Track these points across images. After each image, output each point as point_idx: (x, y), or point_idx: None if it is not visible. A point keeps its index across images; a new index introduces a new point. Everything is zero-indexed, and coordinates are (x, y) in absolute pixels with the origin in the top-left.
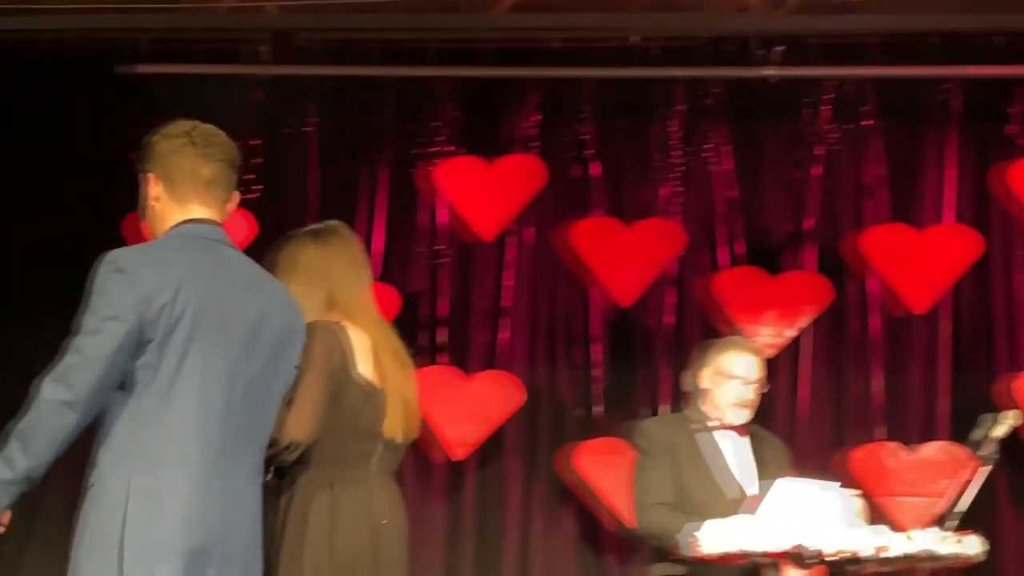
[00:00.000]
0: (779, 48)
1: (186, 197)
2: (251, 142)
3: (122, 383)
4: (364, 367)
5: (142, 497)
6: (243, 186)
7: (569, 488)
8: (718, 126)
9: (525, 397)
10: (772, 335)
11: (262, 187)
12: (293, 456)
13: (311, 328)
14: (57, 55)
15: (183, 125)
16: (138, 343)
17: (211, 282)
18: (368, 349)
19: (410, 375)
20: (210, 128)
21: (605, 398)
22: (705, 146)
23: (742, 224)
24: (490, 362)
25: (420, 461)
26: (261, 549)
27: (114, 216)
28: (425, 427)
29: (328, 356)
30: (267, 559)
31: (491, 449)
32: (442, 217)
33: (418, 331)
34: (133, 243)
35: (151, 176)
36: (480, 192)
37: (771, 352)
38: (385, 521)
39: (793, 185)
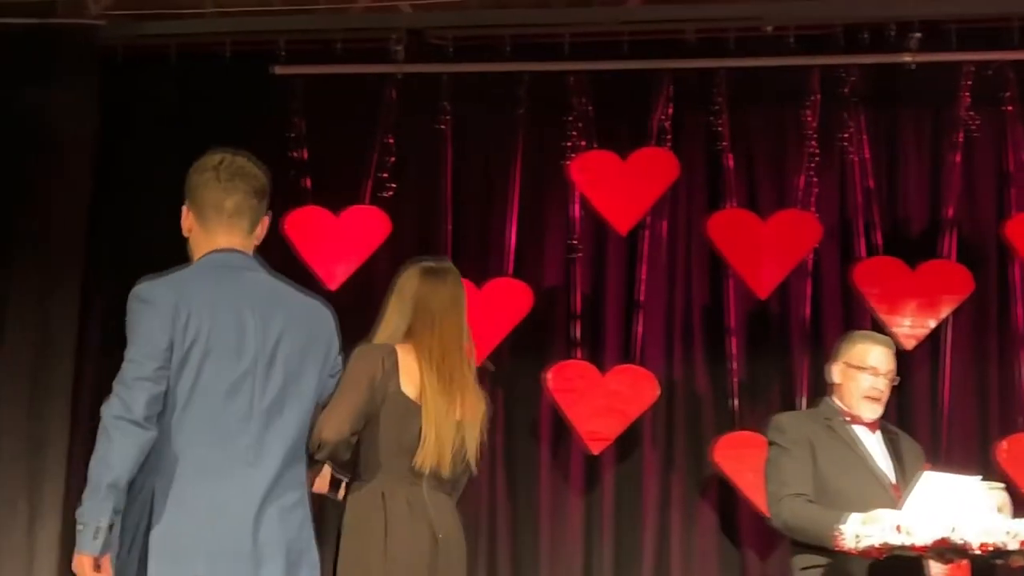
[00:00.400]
0: (916, 34)
1: (212, 228)
2: (386, 140)
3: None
4: (410, 388)
5: (164, 504)
6: (378, 184)
7: (707, 480)
8: (854, 114)
9: (660, 391)
10: (912, 326)
11: (396, 185)
12: (324, 455)
13: (359, 348)
14: (201, 56)
15: (213, 159)
16: (165, 365)
17: (225, 306)
18: (417, 373)
19: (468, 421)
20: (239, 160)
21: (742, 391)
22: (841, 135)
23: (880, 214)
24: (626, 356)
25: (557, 456)
26: (309, 548)
27: (275, 214)
28: (563, 422)
29: (369, 371)
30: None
31: (628, 443)
32: (576, 212)
33: (553, 326)
34: (298, 241)
35: (185, 208)
36: (614, 186)
37: (912, 343)
38: (440, 535)
39: (932, 173)
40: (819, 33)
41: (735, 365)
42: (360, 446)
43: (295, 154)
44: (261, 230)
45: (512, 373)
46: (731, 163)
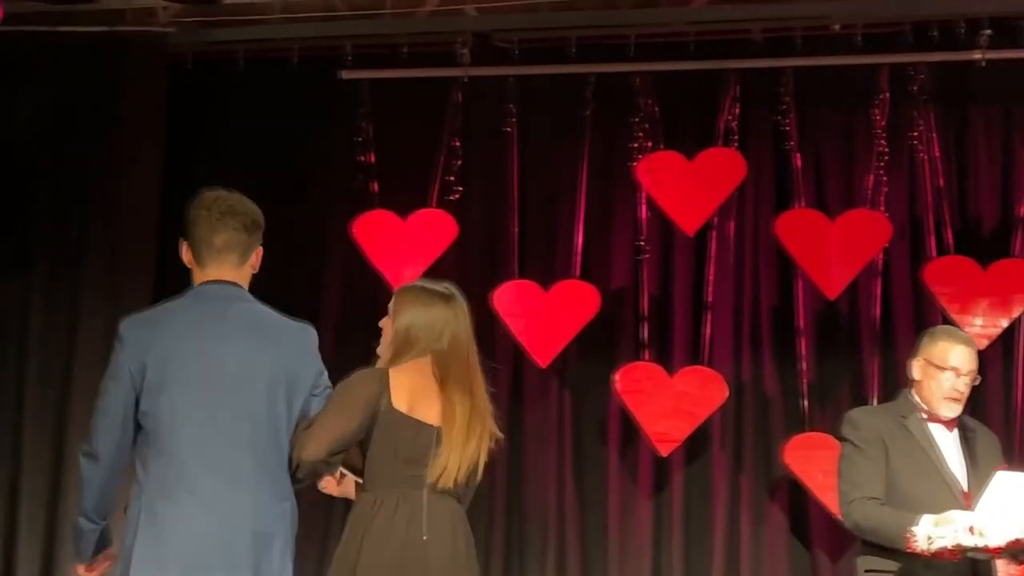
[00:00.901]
0: (987, 31)
1: (204, 261)
2: (453, 143)
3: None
4: (402, 404)
5: (148, 519)
6: (444, 187)
7: (777, 482)
8: (924, 113)
9: (729, 393)
10: (984, 326)
11: (463, 188)
12: (303, 474)
13: (354, 374)
14: (269, 62)
15: (207, 197)
16: (136, 397)
17: (201, 335)
18: (414, 390)
19: (484, 430)
20: (231, 199)
21: (812, 392)
22: (911, 134)
23: (950, 213)
24: (694, 358)
25: (625, 458)
26: (285, 552)
27: (343, 218)
28: (631, 424)
29: (363, 394)
30: None
31: (697, 445)
32: (643, 213)
33: (621, 328)
34: (367, 245)
35: (183, 242)
36: (681, 187)
37: (984, 343)
38: (425, 537)
39: (1004, 171)
40: (887, 31)
41: (804, 366)
42: (364, 459)
43: (362, 158)
44: (255, 259)
45: (580, 375)
46: (799, 163)
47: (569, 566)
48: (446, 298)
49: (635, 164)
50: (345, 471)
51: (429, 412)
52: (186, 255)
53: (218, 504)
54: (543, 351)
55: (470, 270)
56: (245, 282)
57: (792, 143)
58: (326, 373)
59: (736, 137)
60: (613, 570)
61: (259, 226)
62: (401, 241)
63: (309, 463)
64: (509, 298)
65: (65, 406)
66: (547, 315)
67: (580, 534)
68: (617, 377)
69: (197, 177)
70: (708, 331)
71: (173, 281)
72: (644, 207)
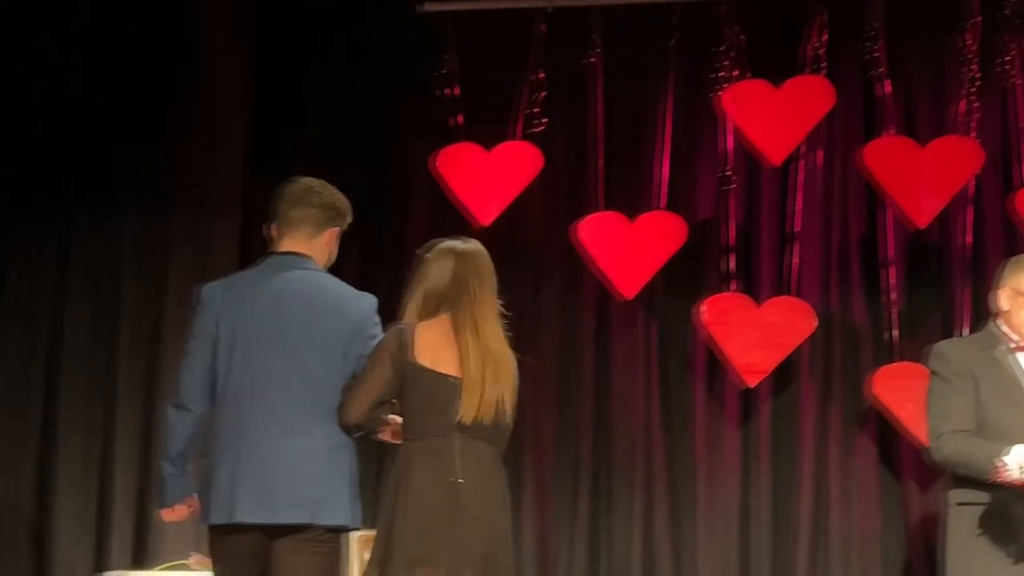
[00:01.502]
0: None
1: (280, 233)
2: (536, 75)
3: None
4: (425, 359)
5: (222, 460)
6: (529, 119)
7: (866, 413)
8: (1016, 37)
9: (817, 323)
10: None
11: (547, 120)
12: (353, 431)
13: (385, 333)
14: None
15: (294, 181)
16: (213, 354)
17: (265, 300)
18: (442, 343)
19: (499, 372)
20: (316, 183)
21: (901, 322)
22: (1002, 59)
23: None
24: (780, 288)
25: (712, 390)
26: (336, 486)
27: (427, 152)
28: (717, 355)
29: (387, 350)
30: None
31: (784, 376)
32: (729, 143)
33: (706, 259)
34: (450, 178)
35: (272, 224)
36: (768, 116)
37: None
38: (461, 480)
39: None
40: None
41: (894, 296)
42: (402, 412)
43: (446, 91)
44: (329, 239)
45: (666, 307)
46: (888, 90)
47: (657, 500)
48: (457, 253)
49: (720, 93)
50: (395, 418)
51: (450, 364)
52: (270, 231)
53: (279, 452)
54: (628, 283)
55: (554, 202)
56: (317, 256)
57: (881, 70)
58: (380, 337)
59: (824, 64)
60: (701, 503)
61: (336, 209)
62: (485, 174)
63: (354, 423)
64: (594, 230)
65: (156, 369)
66: (632, 247)
67: (667, 467)
68: (703, 308)
69: (280, 113)
70: (795, 261)
71: (260, 214)
72: (730, 137)
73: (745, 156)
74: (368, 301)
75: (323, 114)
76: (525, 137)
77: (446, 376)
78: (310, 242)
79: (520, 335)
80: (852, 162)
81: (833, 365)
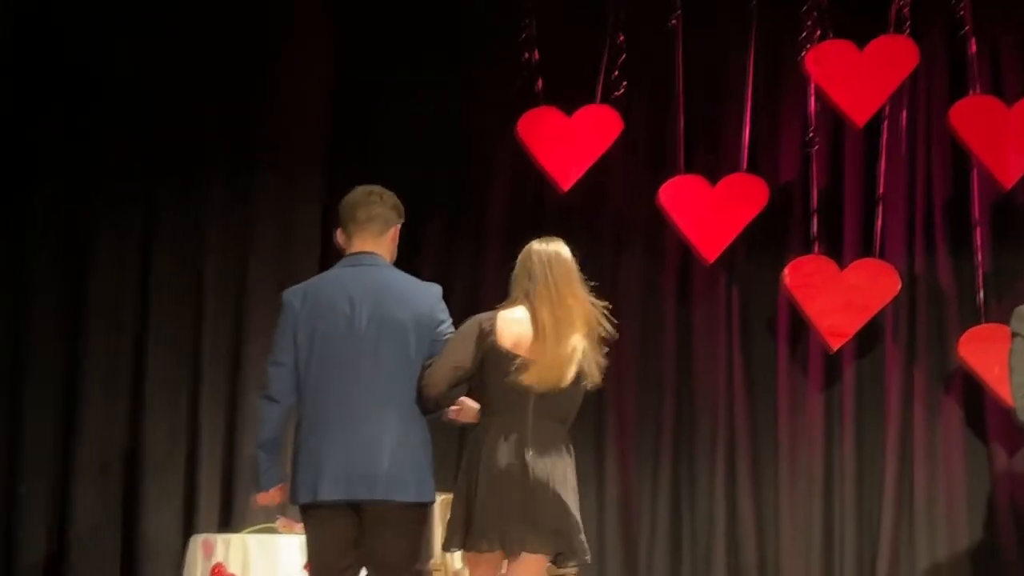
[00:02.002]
0: None
1: (350, 236)
2: (617, 38)
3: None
4: (506, 342)
5: (308, 444)
6: (609, 83)
7: (952, 375)
8: None
9: (901, 285)
10: None
11: (627, 83)
12: (431, 406)
13: (471, 318)
14: None
15: (357, 188)
16: (297, 350)
17: (341, 297)
18: (521, 324)
19: (568, 355)
20: (376, 188)
21: (988, 283)
22: None
23: None
24: (865, 251)
25: (796, 352)
26: (413, 464)
27: (509, 117)
28: (801, 318)
29: (471, 333)
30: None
31: (869, 338)
32: (812, 104)
33: (790, 222)
34: (532, 143)
35: (338, 228)
36: (851, 77)
37: None
38: (531, 453)
39: None
40: None
41: (980, 257)
42: (478, 392)
43: (527, 56)
44: (394, 234)
45: (748, 270)
46: (974, 49)
47: (740, 463)
48: (537, 251)
49: (804, 55)
50: (469, 401)
51: (527, 348)
52: (339, 237)
53: (355, 436)
54: (711, 246)
55: (636, 166)
56: (385, 253)
57: (967, 29)
58: (449, 322)
59: (908, 24)
60: (784, 466)
61: (397, 209)
62: (566, 138)
63: (431, 397)
64: (676, 193)
65: (239, 343)
66: (714, 210)
67: (750, 430)
68: (786, 271)
69: (361, 79)
70: (880, 223)
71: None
72: (813, 98)
73: (828, 118)
74: (433, 291)
75: (403, 85)
76: (606, 100)
77: (522, 358)
78: (377, 240)
79: (601, 298)
80: (937, 123)
81: (918, 327)
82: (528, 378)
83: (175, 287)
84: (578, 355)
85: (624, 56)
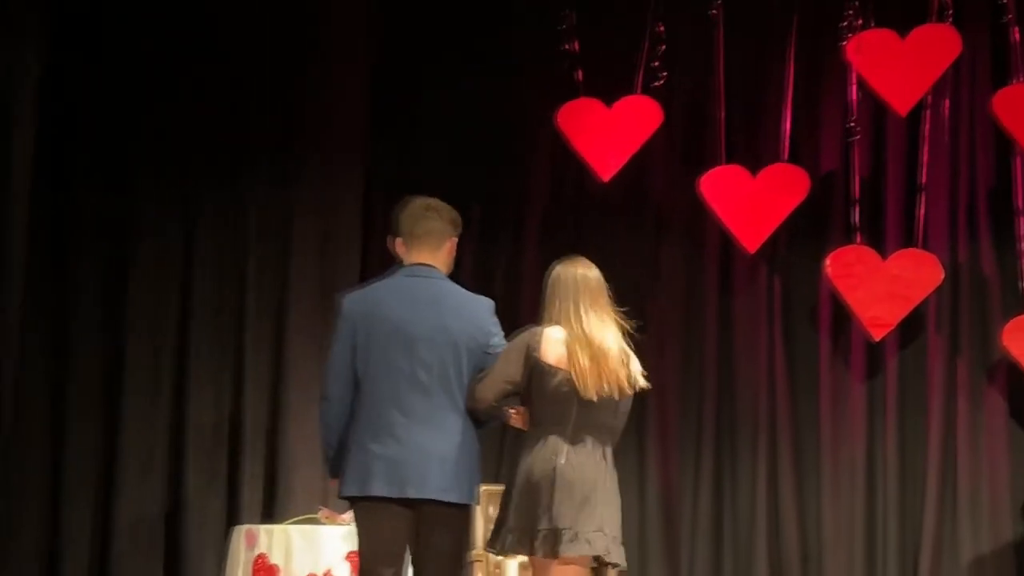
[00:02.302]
0: None
1: (408, 248)
2: (657, 28)
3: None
4: (550, 357)
5: (365, 443)
6: (649, 74)
7: (995, 365)
8: None
9: (943, 275)
10: None
11: (667, 73)
12: (482, 416)
13: (519, 334)
14: None
15: (413, 201)
16: (354, 355)
17: (399, 307)
18: (562, 343)
19: (604, 366)
20: (432, 201)
21: None
22: None
23: None
24: (907, 241)
25: (838, 343)
26: (462, 466)
27: (549, 108)
28: (843, 308)
29: (519, 347)
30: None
31: (911, 328)
32: (854, 94)
33: (831, 212)
34: (572, 133)
35: (394, 238)
36: (893, 66)
37: None
38: (563, 461)
39: None
40: None
41: (1023, 246)
42: (528, 402)
43: (566, 47)
44: (451, 247)
45: (789, 261)
46: (1017, 37)
47: (781, 454)
48: (568, 269)
49: (845, 43)
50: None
51: (566, 361)
52: (397, 247)
53: (407, 439)
54: (751, 237)
55: (675, 156)
56: (441, 265)
57: (1010, 16)
58: (500, 336)
59: (950, 12)
60: (826, 457)
61: (454, 222)
62: (606, 129)
63: (480, 409)
64: (716, 183)
65: (282, 331)
66: (755, 200)
67: (792, 422)
68: (828, 262)
69: (402, 66)
70: (922, 213)
71: (382, 155)
72: (855, 87)
73: (870, 107)
74: (486, 304)
75: (444, 74)
76: (646, 91)
77: (563, 371)
78: (435, 253)
79: (641, 290)
80: (980, 111)
81: (961, 318)
82: (569, 393)
83: (217, 280)
84: (616, 369)
85: (664, 46)
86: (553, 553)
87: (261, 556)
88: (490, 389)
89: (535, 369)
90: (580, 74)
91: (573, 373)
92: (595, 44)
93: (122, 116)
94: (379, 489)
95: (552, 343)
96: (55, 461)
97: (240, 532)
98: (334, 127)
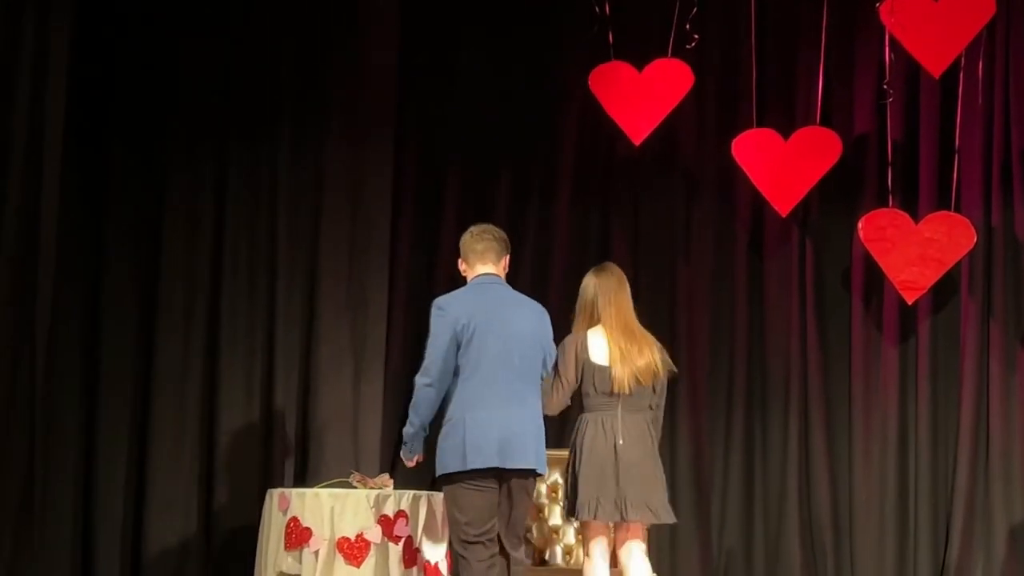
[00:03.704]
0: None
1: (472, 263)
2: None
3: (455, 371)
4: (597, 357)
5: (472, 421)
6: (681, 36)
7: None
8: None
9: (976, 238)
10: None
11: (699, 36)
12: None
13: (565, 340)
14: None
15: (474, 228)
16: (456, 347)
17: (487, 306)
18: (604, 344)
19: (636, 358)
20: (488, 226)
21: None
22: None
23: None
24: (941, 203)
25: (870, 306)
26: (542, 441)
27: (580, 70)
28: (876, 271)
29: (571, 354)
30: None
31: (944, 292)
32: (887, 55)
33: (864, 175)
34: (603, 97)
35: (461, 259)
36: (927, 27)
37: None
38: (621, 442)
39: None
40: None
41: None
42: (581, 392)
43: (597, 9)
44: (505, 263)
45: (821, 224)
46: None
47: (813, 417)
48: (596, 270)
49: (878, 5)
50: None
51: (607, 357)
52: (462, 267)
53: (506, 414)
54: (784, 200)
55: (707, 120)
56: (502, 276)
57: None
58: (552, 335)
59: None
60: (858, 421)
61: (506, 242)
62: (638, 92)
63: (551, 414)
64: (748, 147)
65: (313, 296)
66: (787, 163)
67: (823, 385)
68: (860, 225)
69: (433, 38)
70: (955, 176)
71: (412, 137)
72: (888, 49)
73: (903, 69)
74: (541, 308)
75: (473, 38)
76: (677, 54)
77: (606, 366)
78: (496, 266)
79: (672, 253)
80: (1015, 73)
81: (994, 281)
82: (617, 385)
83: (248, 245)
84: (652, 363)
85: (695, 9)
86: (625, 518)
87: (294, 519)
88: (560, 398)
89: (585, 367)
90: (611, 37)
91: (613, 369)
92: (627, 7)
93: (155, 78)
94: (486, 460)
95: (596, 345)
96: (88, 421)
97: (273, 496)
98: (364, 92)
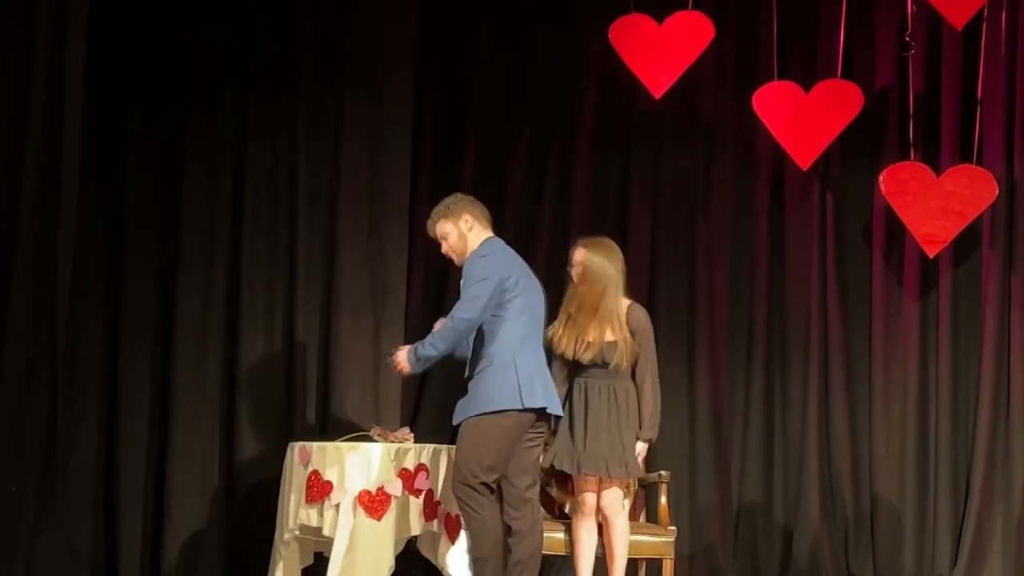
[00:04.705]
0: None
1: (482, 224)
2: None
3: (497, 316)
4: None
5: (522, 365)
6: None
7: None
8: None
9: (998, 191)
10: None
11: None
12: None
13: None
14: None
15: (461, 196)
16: (501, 292)
17: (523, 266)
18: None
19: (603, 331)
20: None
21: None
22: None
23: None
24: (963, 156)
25: (891, 259)
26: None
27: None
28: (897, 224)
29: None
30: None
31: (966, 245)
32: (909, 6)
33: (886, 127)
34: (623, 49)
35: (462, 218)
36: None
37: None
38: (590, 404)
39: None
40: None
41: None
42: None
43: None
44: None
45: (843, 177)
46: None
47: (833, 371)
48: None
49: None
50: None
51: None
52: (466, 224)
53: (543, 366)
54: (804, 153)
55: (727, 72)
56: None
57: None
58: None
59: None
60: (878, 375)
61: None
62: (658, 45)
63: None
64: (769, 100)
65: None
66: (808, 116)
67: (844, 339)
68: (882, 178)
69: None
70: (977, 129)
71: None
72: (910, 1)
73: (925, 21)
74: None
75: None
76: (697, 7)
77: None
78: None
79: (693, 206)
80: None
81: (1016, 233)
82: (584, 360)
83: (269, 201)
84: (613, 339)
85: None
86: (597, 472)
87: (315, 472)
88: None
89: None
90: None
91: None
92: None
93: (174, 35)
94: (540, 402)
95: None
96: (110, 378)
97: (294, 449)
98: (384, 48)
